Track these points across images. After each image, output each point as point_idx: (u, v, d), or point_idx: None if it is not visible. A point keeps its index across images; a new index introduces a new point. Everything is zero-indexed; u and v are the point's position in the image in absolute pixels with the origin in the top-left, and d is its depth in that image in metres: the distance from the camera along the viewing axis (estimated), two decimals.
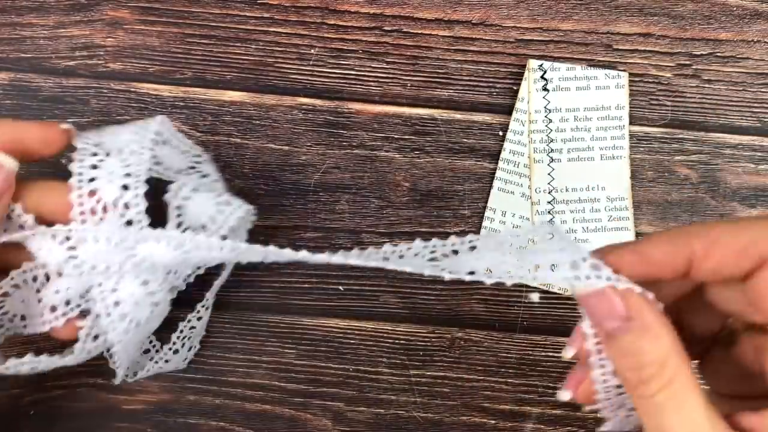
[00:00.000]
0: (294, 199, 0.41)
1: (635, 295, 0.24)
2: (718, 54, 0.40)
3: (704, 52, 0.40)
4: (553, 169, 0.39)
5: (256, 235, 0.39)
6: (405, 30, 0.41)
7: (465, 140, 0.41)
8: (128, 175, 0.29)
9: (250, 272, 0.40)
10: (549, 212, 0.39)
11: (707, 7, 0.40)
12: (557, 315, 0.40)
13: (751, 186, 0.40)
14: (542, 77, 0.40)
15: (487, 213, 0.40)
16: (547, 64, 0.40)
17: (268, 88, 0.41)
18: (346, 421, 0.40)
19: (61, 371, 0.40)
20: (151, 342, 0.37)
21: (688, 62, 0.40)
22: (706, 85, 0.40)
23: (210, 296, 0.37)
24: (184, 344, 0.38)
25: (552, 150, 0.40)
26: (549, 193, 0.40)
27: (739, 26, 0.40)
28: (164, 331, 0.38)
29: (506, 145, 0.40)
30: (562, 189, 0.39)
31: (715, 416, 0.23)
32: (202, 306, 0.37)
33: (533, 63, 0.40)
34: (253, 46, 0.41)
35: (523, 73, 0.40)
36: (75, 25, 0.41)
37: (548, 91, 0.40)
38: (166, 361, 0.37)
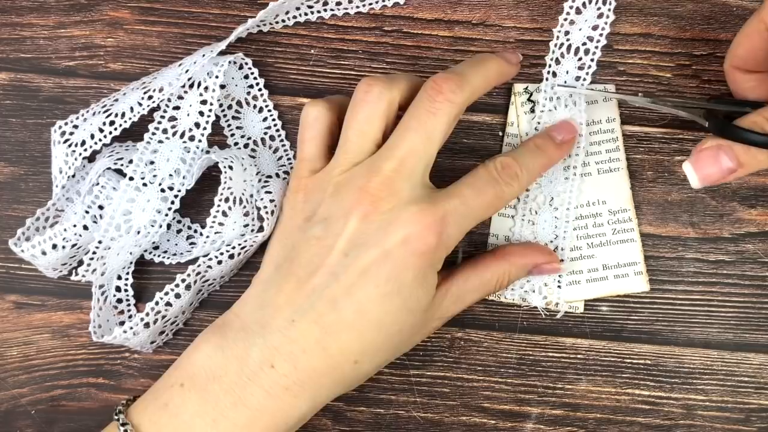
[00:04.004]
0: None
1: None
2: (718, 54, 0.40)
3: (704, 53, 0.40)
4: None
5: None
6: (405, 30, 0.41)
7: (465, 140, 0.41)
8: (204, 102, 0.38)
9: (244, 271, 0.40)
10: (552, 231, 0.39)
11: (707, 7, 0.40)
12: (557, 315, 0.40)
13: (751, 186, 0.40)
14: (529, 100, 0.40)
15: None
16: (532, 87, 0.40)
17: (268, 88, 0.41)
18: (346, 421, 0.40)
19: (61, 371, 0.40)
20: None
21: (688, 62, 0.40)
22: (706, 86, 0.40)
23: (192, 273, 0.37)
24: (156, 321, 0.37)
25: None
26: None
27: (739, 26, 0.40)
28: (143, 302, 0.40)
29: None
30: (566, 209, 0.39)
31: None
32: (182, 280, 0.37)
33: (518, 87, 0.40)
34: (253, 47, 0.41)
35: (523, 74, 0.40)
36: (75, 25, 0.41)
37: (536, 113, 0.40)
38: (135, 333, 0.37)
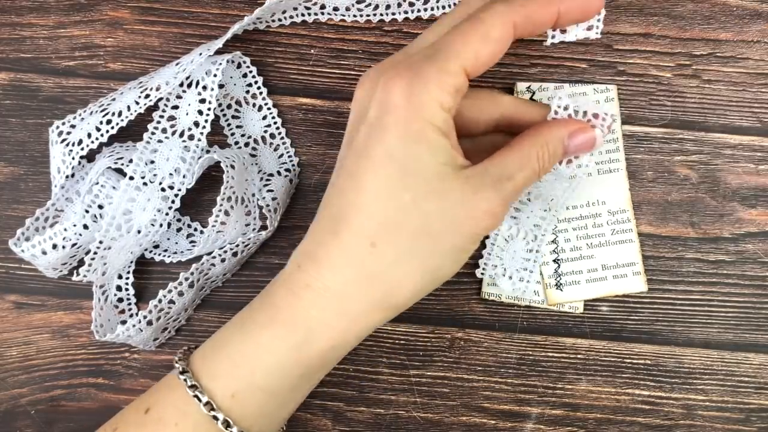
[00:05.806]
0: (294, 199, 0.41)
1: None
2: (718, 54, 0.40)
3: (704, 52, 0.40)
4: (552, 189, 0.38)
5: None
6: (405, 30, 0.41)
7: None
8: (202, 101, 0.38)
9: (244, 271, 0.40)
10: (552, 231, 0.39)
11: (707, 7, 0.40)
12: (557, 315, 0.40)
13: (751, 186, 0.40)
14: (531, 99, 0.40)
15: None
16: (534, 86, 0.40)
17: (267, 88, 0.41)
18: (346, 421, 0.40)
19: (61, 371, 0.40)
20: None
21: (688, 62, 0.40)
22: (706, 86, 0.40)
23: (195, 271, 0.37)
24: (159, 318, 0.37)
25: None
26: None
27: (739, 26, 0.40)
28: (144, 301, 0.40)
29: None
30: (563, 207, 0.39)
31: None
32: (185, 279, 0.37)
33: (521, 86, 0.40)
34: (253, 46, 0.41)
35: (524, 73, 0.40)
36: (75, 25, 0.41)
37: None
38: (138, 330, 0.37)
